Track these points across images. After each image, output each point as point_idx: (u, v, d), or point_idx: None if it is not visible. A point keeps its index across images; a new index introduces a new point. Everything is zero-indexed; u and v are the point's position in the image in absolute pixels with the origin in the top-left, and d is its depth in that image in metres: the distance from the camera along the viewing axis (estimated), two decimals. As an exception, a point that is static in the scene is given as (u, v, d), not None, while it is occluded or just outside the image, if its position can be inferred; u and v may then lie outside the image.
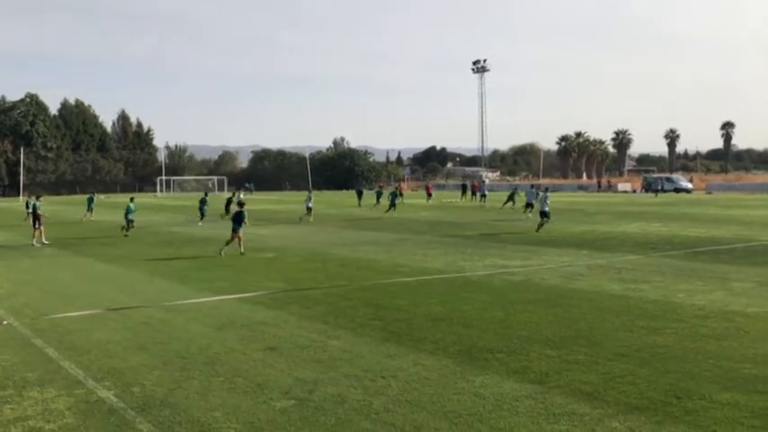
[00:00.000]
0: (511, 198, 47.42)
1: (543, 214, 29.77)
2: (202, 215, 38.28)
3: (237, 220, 22.85)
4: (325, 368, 9.09)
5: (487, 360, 9.33)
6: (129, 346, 10.41)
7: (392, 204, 43.77)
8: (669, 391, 7.87)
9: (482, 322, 11.73)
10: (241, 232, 22.76)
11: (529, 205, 38.38)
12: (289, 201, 70.33)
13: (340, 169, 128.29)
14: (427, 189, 67.72)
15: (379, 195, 52.81)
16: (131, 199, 33.28)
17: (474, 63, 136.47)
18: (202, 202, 39.26)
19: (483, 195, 55.96)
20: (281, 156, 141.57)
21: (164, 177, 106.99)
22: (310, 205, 39.29)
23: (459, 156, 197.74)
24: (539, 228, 29.13)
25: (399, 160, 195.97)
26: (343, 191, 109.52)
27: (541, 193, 32.11)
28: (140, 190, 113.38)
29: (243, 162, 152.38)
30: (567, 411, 7.30)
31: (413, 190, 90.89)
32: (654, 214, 39.89)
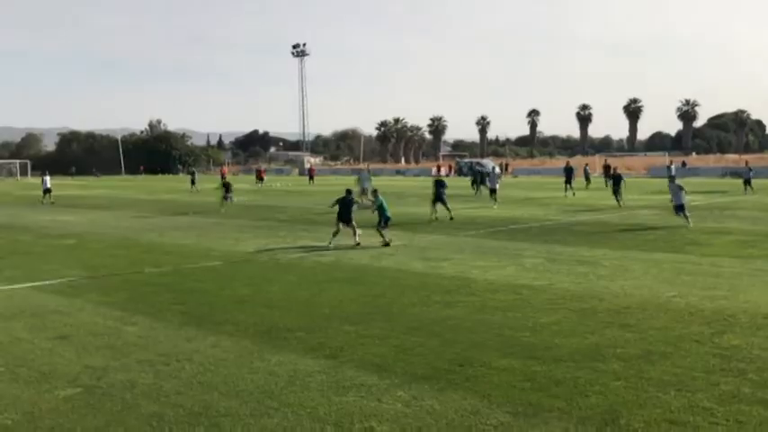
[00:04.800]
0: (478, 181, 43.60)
1: (492, 191, 33.79)
2: None
3: None
4: (117, 354, 8.83)
5: (286, 339, 9.45)
6: None
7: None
8: (454, 361, 8.34)
9: (286, 302, 11.84)
10: None
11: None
12: (95, 186, 66.94)
13: (156, 153, 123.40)
14: (258, 173, 65.44)
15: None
16: None
17: (294, 47, 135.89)
18: None
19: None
20: (90, 138, 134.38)
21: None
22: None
23: (283, 140, 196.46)
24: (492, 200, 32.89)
25: (221, 144, 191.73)
26: (160, 175, 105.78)
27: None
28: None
29: (48, 145, 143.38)
30: (356, 383, 7.56)
31: (234, 174, 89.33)
32: (461, 197, 41.70)
